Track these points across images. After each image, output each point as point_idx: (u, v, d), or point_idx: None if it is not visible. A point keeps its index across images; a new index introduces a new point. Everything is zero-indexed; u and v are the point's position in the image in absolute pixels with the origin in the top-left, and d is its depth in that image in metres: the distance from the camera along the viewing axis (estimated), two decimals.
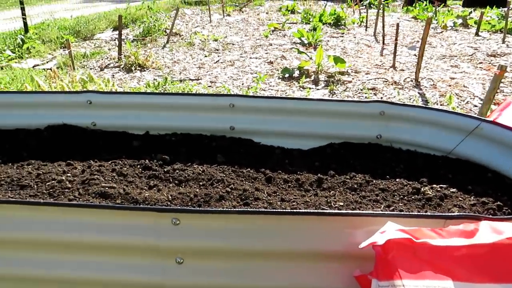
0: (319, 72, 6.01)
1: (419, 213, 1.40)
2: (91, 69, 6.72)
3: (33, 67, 6.77)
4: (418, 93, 5.01)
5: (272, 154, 2.47)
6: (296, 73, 6.05)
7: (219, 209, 1.58)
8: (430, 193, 1.95)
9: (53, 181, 2.02)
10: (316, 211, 1.34)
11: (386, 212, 1.42)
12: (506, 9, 9.23)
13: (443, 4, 14.65)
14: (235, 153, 2.43)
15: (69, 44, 5.48)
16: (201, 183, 2.09)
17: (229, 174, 2.19)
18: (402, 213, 1.61)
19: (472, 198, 1.91)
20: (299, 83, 5.61)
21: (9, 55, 7.35)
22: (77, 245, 1.42)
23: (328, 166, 2.29)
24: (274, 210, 1.33)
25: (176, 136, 2.58)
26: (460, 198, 1.91)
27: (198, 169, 2.20)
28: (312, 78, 5.87)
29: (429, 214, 1.51)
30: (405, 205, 1.87)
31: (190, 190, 1.99)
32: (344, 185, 2.08)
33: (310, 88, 5.36)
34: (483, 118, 2.12)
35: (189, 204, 1.87)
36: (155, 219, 1.34)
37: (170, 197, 1.91)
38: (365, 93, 5.02)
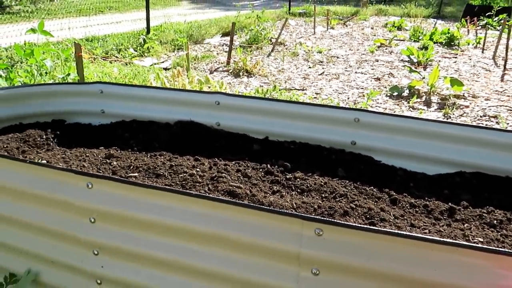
0: (432, 93, 5.67)
1: None
2: (201, 71, 7.12)
3: (150, 65, 7.38)
4: None
5: (394, 175, 2.36)
6: (406, 92, 5.78)
7: (366, 226, 1.54)
8: None
9: (184, 174, 2.15)
10: (471, 244, 1.23)
11: None
12: None
13: None
14: (355, 169, 2.38)
15: (187, 46, 5.88)
16: (323, 195, 2.07)
17: (351, 190, 2.14)
18: None
19: None
20: (408, 102, 5.35)
21: (132, 53, 8.10)
22: (217, 238, 1.47)
23: (459, 196, 2.13)
24: (427, 237, 1.26)
25: (295, 144, 2.60)
26: None
27: (320, 181, 2.19)
28: (424, 99, 5.56)
29: None
30: None
31: (313, 201, 1.98)
32: (480, 219, 1.91)
33: (421, 110, 5.08)
34: None
35: (313, 214, 1.86)
36: (300, 227, 1.34)
37: (294, 204, 1.91)
38: (487, 121, 4.61)
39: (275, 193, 2.06)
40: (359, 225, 1.39)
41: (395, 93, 5.72)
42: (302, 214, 1.38)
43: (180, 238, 1.53)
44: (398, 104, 5.34)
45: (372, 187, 2.17)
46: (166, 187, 1.96)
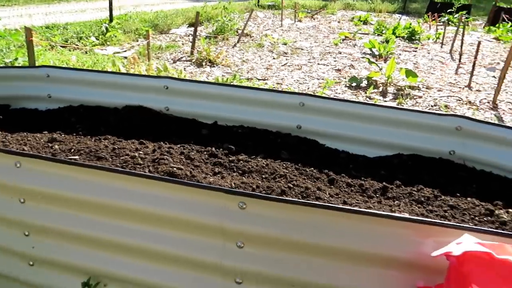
0: (388, 84, 5.84)
1: (502, 231, 1.32)
2: (165, 60, 7.04)
3: (113, 54, 7.22)
4: (495, 115, 4.70)
5: (336, 157, 2.44)
6: (364, 83, 5.92)
7: (287, 198, 1.59)
8: (505, 217, 1.82)
9: (126, 156, 2.14)
10: (388, 214, 1.30)
11: (462, 225, 1.35)
12: None
13: None
14: (299, 151, 2.43)
15: (149, 35, 5.79)
16: (263, 176, 2.11)
17: (292, 171, 2.20)
18: (480, 228, 1.52)
19: None
20: (366, 93, 5.49)
21: (93, 41, 7.90)
22: (141, 214, 1.49)
23: (394, 176, 2.22)
24: (344, 207, 1.31)
25: (243, 128, 2.63)
26: None
27: (262, 162, 2.23)
28: (380, 89, 5.71)
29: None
30: (476, 226, 1.76)
31: (252, 181, 2.02)
32: (410, 197, 2.01)
33: (377, 100, 5.22)
34: None
35: None
36: (223, 200, 1.37)
37: (233, 185, 1.95)
38: (437, 110, 4.80)
39: (216, 174, 2.08)
40: (280, 198, 1.43)
41: (354, 84, 5.85)
42: (225, 188, 1.41)
43: (105, 216, 1.53)
44: (355, 94, 5.47)
45: (312, 169, 2.24)
46: (91, 164, 1.94)
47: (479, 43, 6.16)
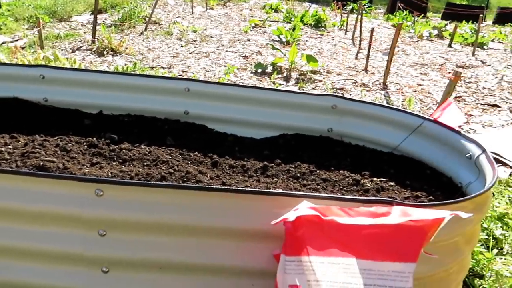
0: (292, 69, 6.05)
1: (336, 196, 1.44)
2: (62, 50, 6.58)
3: (1, 43, 6.58)
4: (384, 95, 5.11)
5: (224, 141, 2.48)
6: (269, 69, 6.07)
7: (143, 182, 1.58)
8: (369, 185, 2.00)
9: None
10: (237, 188, 1.35)
11: (303, 193, 1.45)
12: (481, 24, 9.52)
13: (422, 14, 14.96)
14: (186, 137, 2.43)
15: (39, 23, 5.35)
16: (145, 163, 2.08)
17: (176, 157, 2.19)
18: (318, 194, 1.65)
19: (407, 192, 1.96)
20: (270, 78, 5.64)
21: None
22: (5, 212, 1.39)
23: (277, 155, 2.32)
24: (189, 185, 1.34)
25: (129, 117, 2.56)
26: (396, 192, 1.96)
27: (145, 150, 2.19)
28: (284, 74, 5.91)
29: (346, 197, 1.54)
30: (343, 195, 1.91)
31: (132, 169, 1.97)
32: (287, 173, 2.11)
33: (280, 84, 5.40)
34: (426, 116, 2.18)
35: None
36: (80, 189, 1.33)
37: (110, 174, 1.89)
38: (334, 92, 5.09)
39: (94, 165, 2.01)
40: (136, 181, 1.42)
41: (260, 70, 5.98)
42: (79, 176, 1.37)
43: None
44: (261, 80, 5.60)
45: (197, 153, 2.25)
46: None
47: (372, 29, 6.63)
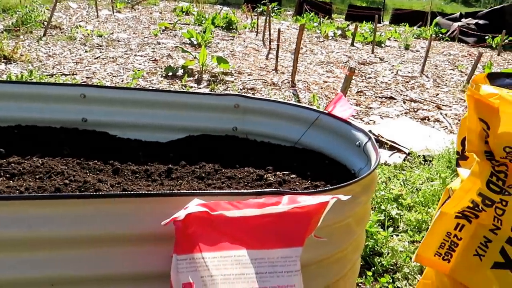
0: (203, 71, 6.05)
1: (226, 191, 1.47)
2: None
3: None
4: (293, 93, 5.33)
5: (127, 147, 2.40)
6: (180, 72, 6.01)
7: (6, 195, 1.48)
8: (272, 179, 2.07)
9: None
10: (123, 193, 1.31)
11: (192, 191, 1.46)
12: (379, 24, 10.37)
13: (327, 16, 15.88)
14: (85, 145, 2.31)
15: None
16: (37, 176, 1.94)
17: (73, 167, 2.07)
18: (209, 191, 1.68)
19: (308, 182, 2.07)
20: (181, 81, 5.58)
21: None
22: None
23: (182, 158, 2.30)
24: (65, 194, 1.28)
25: (20, 128, 2.36)
26: (297, 183, 2.06)
27: (37, 162, 2.04)
28: (196, 77, 5.88)
29: (236, 191, 1.59)
30: (248, 191, 1.95)
31: (22, 184, 1.83)
32: (192, 175, 2.11)
33: (192, 87, 5.36)
34: (321, 110, 2.31)
35: None
36: None
37: None
38: (245, 93, 5.18)
39: None
40: (13, 196, 1.32)
41: (170, 73, 5.89)
42: None
43: None
44: (172, 84, 5.51)
45: (96, 161, 2.15)
46: None
47: (279, 30, 6.88)
